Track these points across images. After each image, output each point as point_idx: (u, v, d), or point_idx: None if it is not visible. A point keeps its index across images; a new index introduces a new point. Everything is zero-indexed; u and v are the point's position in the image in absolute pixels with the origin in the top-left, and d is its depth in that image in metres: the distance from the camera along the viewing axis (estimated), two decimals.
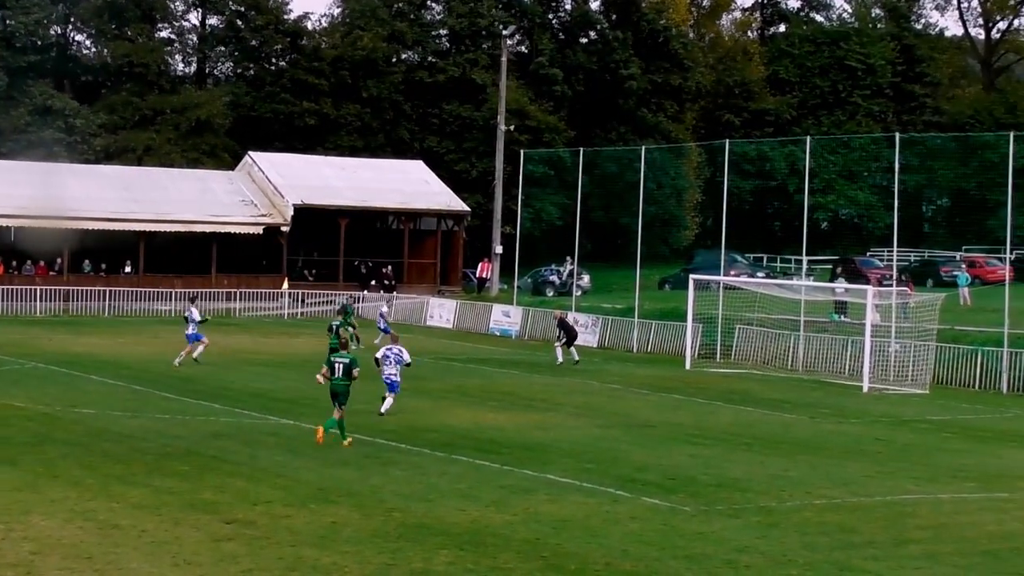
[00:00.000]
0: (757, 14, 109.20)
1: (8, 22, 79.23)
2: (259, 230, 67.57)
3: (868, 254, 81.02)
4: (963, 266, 67.82)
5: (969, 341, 43.72)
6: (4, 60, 77.91)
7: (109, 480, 22.15)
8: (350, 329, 48.86)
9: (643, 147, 61.45)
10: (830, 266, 73.78)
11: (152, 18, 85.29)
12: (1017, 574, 18.16)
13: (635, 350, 52.31)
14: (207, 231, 66.11)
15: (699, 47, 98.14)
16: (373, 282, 67.45)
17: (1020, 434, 32.66)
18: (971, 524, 21.10)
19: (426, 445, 26.69)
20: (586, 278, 70.02)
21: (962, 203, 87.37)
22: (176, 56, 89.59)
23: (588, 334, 53.28)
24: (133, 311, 61.74)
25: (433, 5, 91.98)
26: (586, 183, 60.58)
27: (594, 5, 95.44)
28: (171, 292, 63.01)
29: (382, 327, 47.55)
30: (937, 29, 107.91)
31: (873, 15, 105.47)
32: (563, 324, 46.36)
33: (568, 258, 67.16)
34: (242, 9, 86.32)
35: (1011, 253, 51.43)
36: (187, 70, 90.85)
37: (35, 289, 61.27)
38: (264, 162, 72.24)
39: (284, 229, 67.75)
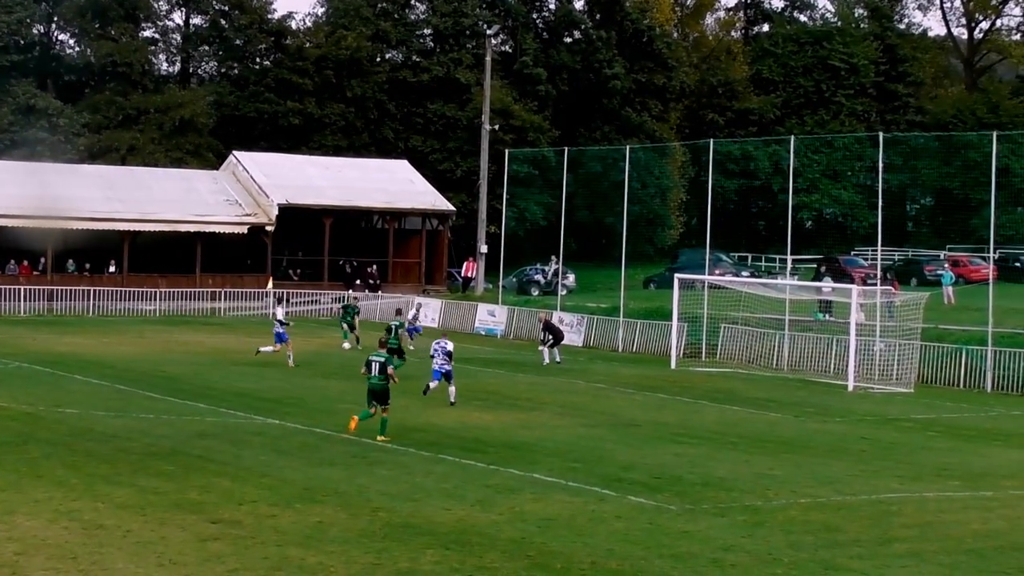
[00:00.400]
0: (741, 14, 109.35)
1: None
2: (244, 230, 67.45)
3: (852, 253, 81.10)
4: (947, 265, 67.85)
5: (953, 340, 43.83)
6: None
7: (94, 480, 22.09)
8: (344, 326, 48.91)
9: (627, 146, 61.60)
10: (814, 265, 73.91)
11: (136, 17, 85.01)
12: (1002, 572, 18.19)
13: (620, 349, 52.36)
14: (192, 231, 65.99)
15: (683, 47, 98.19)
16: (358, 281, 67.34)
17: (1004, 432, 32.75)
18: (956, 522, 21.15)
19: (412, 444, 26.68)
20: (571, 277, 70.07)
21: (945, 202, 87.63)
22: (160, 55, 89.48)
23: (573, 333, 53.34)
24: (117, 311, 61.63)
25: (417, 4, 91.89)
26: (571, 182, 60.65)
27: (578, 5, 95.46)
28: (155, 292, 62.97)
29: (410, 329, 48.47)
30: (920, 29, 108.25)
31: (856, 15, 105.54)
32: (548, 326, 46.23)
33: (553, 257, 67.21)
34: (226, 8, 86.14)
35: (994, 252, 51.63)
36: (171, 69, 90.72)
37: (19, 289, 61.09)
38: (248, 161, 72.13)
39: (269, 228, 67.63)
